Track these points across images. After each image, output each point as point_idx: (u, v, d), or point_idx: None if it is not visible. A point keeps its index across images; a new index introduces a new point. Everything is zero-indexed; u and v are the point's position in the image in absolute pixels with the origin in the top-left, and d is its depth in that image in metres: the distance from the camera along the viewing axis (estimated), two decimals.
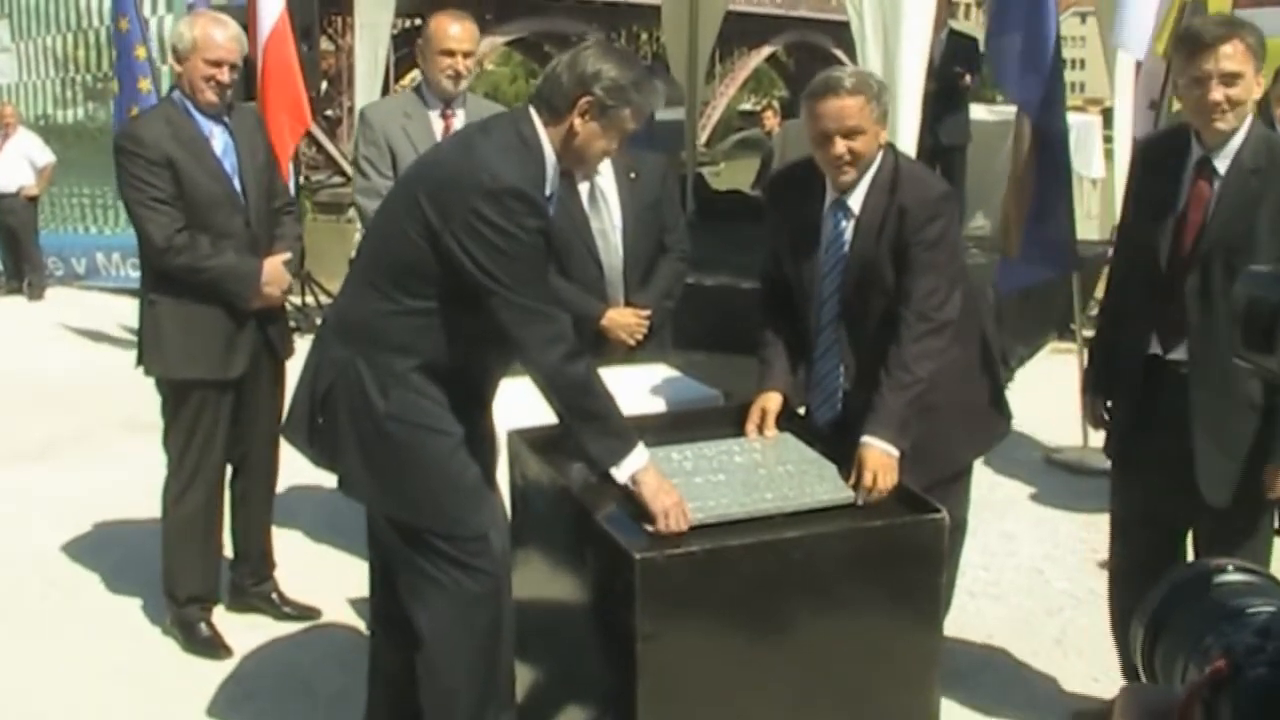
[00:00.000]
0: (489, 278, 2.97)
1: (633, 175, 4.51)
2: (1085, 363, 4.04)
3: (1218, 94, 3.32)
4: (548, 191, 3.10)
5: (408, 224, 3.08)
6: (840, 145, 3.37)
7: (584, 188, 4.45)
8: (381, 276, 3.15)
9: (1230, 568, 1.40)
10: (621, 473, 2.98)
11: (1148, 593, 1.43)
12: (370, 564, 3.55)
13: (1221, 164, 3.41)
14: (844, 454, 3.25)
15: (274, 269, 4.38)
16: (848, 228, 3.50)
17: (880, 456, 3.19)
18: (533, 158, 3.05)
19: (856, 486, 3.13)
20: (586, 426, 3.06)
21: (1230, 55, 3.30)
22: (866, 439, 3.22)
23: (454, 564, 3.18)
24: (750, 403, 3.55)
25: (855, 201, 3.49)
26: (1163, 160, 3.58)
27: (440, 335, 3.11)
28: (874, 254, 3.46)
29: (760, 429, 3.48)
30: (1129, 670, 3.81)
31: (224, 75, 4.28)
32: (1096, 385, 3.87)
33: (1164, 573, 4.00)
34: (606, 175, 4.47)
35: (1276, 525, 3.82)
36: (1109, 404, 3.83)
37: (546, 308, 3.06)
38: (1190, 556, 3.74)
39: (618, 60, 3.06)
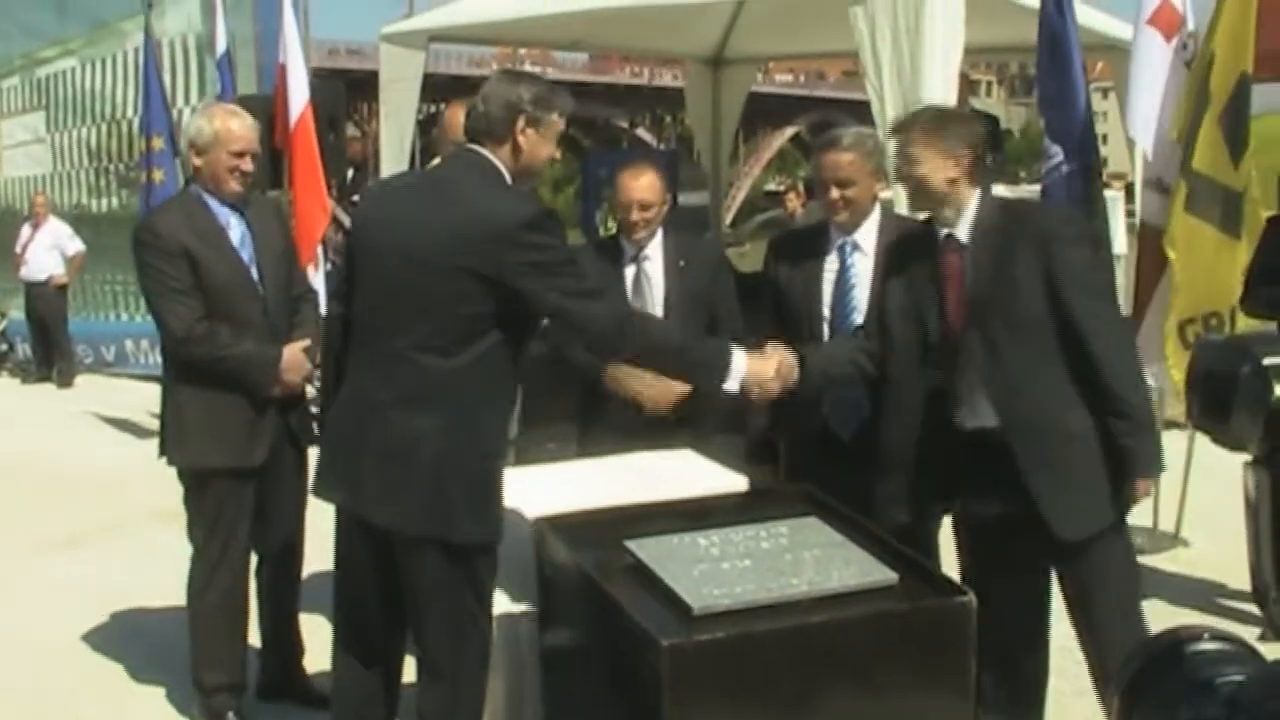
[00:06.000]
0: (559, 294, 3.32)
1: (682, 264, 4.57)
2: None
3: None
4: None
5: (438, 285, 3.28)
6: (835, 191, 4.06)
7: (630, 272, 4.53)
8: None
9: (1205, 636, 1.45)
10: None
11: (1122, 662, 1.46)
12: None
13: (963, 234, 3.59)
14: (870, 536, 3.24)
15: (294, 356, 4.41)
16: (857, 260, 4.14)
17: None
18: (506, 185, 3.40)
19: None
20: None
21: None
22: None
23: None
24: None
25: (864, 239, 4.14)
26: (909, 254, 3.75)
27: None
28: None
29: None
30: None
31: (248, 165, 4.37)
32: None
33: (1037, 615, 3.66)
34: (655, 261, 4.54)
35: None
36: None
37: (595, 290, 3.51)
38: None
39: (527, 80, 3.53)
